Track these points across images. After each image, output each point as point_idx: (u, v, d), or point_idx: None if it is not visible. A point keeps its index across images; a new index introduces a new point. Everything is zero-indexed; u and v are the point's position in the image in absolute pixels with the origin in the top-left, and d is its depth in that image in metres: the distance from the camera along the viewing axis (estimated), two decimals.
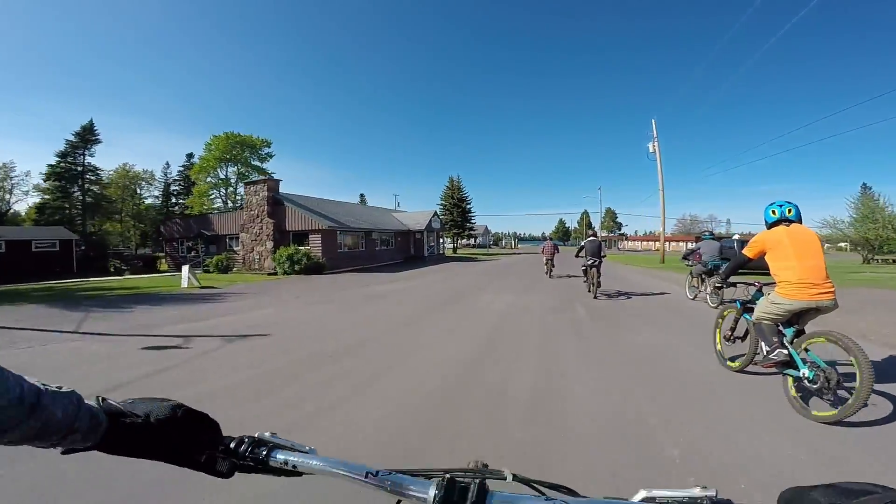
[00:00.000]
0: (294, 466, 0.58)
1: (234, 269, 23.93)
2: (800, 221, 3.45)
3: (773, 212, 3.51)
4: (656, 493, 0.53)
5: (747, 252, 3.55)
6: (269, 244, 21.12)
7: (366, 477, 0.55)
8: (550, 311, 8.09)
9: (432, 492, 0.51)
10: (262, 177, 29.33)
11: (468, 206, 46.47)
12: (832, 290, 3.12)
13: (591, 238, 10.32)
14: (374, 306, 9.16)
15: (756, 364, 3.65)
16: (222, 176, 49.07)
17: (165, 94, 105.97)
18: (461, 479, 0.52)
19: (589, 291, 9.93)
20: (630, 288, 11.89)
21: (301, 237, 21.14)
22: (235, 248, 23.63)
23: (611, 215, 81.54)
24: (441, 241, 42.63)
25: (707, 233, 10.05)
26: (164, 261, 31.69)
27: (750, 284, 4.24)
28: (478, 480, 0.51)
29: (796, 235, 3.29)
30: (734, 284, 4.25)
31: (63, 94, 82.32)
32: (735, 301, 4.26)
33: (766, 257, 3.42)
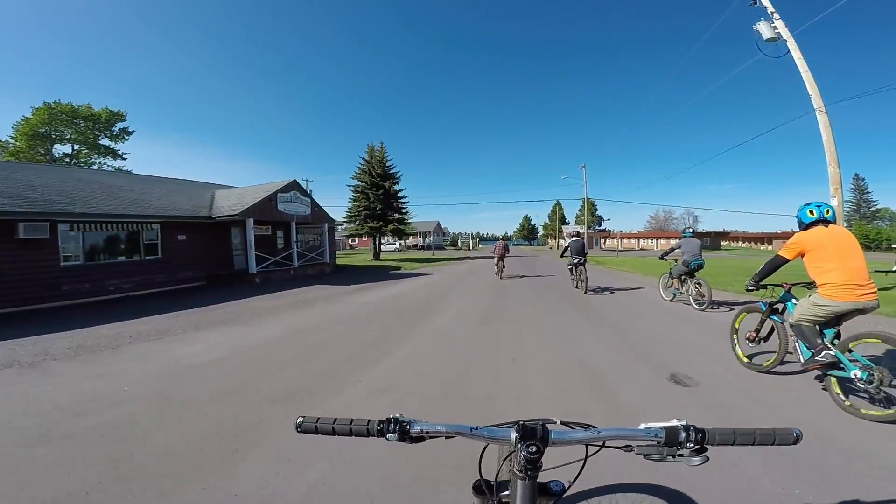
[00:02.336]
0: (425, 433, 0.78)
1: None
2: (834, 222, 3.41)
3: (811, 212, 3.43)
4: (651, 424, 0.75)
5: (785, 254, 3.50)
6: None
7: (470, 431, 0.77)
8: None
9: (514, 434, 0.72)
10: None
11: (396, 189, 30.64)
12: (875, 290, 3.15)
13: (576, 238, 10.88)
14: None
15: (787, 364, 3.78)
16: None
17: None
18: (530, 425, 0.72)
19: (577, 287, 10.61)
20: None
21: None
22: None
23: (589, 207, 68.17)
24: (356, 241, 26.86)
25: (688, 230, 8.82)
26: None
27: (778, 286, 4.02)
28: (541, 423, 0.73)
29: (836, 237, 3.27)
30: (766, 286, 3.97)
31: None
32: (759, 302, 4.12)
33: (804, 258, 3.40)
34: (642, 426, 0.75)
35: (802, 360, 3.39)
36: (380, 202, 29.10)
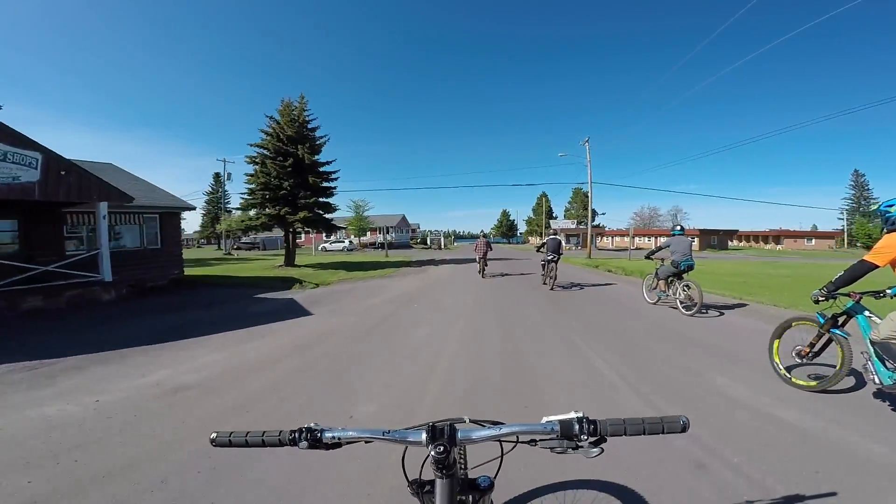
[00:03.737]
0: (339, 439, 0.80)
1: None
2: None
3: None
4: (552, 417, 0.78)
5: (874, 259, 3.02)
6: None
7: (383, 435, 0.80)
8: None
9: (424, 435, 0.76)
10: None
11: (318, 159, 20.67)
12: None
13: (553, 237, 11.21)
14: None
15: (878, 387, 3.11)
16: None
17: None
18: (439, 426, 0.77)
19: (545, 284, 11.03)
20: None
21: None
22: None
23: (581, 200, 59.64)
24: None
25: (677, 227, 8.15)
26: None
27: (845, 295, 3.45)
28: (448, 424, 0.77)
29: None
30: (836, 296, 3.42)
31: None
32: (816, 314, 3.61)
33: None
34: (544, 420, 0.78)
35: (880, 382, 3.00)
36: (287, 177, 19.06)
